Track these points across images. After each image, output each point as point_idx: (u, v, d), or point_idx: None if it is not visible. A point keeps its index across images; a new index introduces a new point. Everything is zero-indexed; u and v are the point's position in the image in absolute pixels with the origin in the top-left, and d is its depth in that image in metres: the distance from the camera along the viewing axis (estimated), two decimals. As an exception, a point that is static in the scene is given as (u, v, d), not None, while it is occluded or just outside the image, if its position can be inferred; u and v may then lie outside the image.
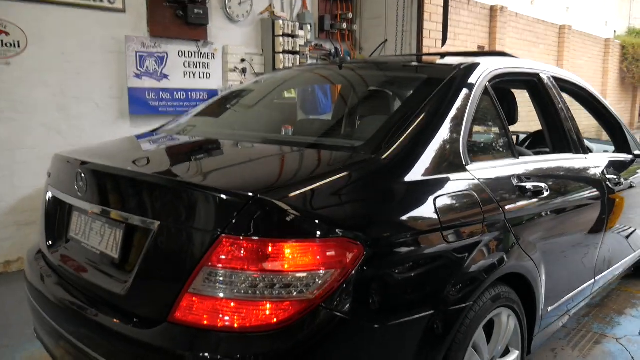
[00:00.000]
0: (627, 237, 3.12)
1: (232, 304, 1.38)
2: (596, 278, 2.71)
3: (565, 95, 2.97)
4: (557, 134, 2.59)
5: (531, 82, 2.57)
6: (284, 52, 5.36)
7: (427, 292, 1.58)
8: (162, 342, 1.42)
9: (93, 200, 1.77)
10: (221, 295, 1.38)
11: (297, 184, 1.50)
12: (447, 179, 1.74)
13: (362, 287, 1.42)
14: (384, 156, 1.66)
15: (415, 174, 1.67)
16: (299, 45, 5.46)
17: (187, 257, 1.45)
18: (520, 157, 2.16)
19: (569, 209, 2.32)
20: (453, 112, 1.88)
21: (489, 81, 2.14)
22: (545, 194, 2.12)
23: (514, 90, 2.60)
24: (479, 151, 2.08)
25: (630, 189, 3.02)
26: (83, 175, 1.78)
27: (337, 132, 2.59)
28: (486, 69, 2.15)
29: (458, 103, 1.92)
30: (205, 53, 4.94)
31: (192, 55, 4.86)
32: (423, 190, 1.66)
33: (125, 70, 4.42)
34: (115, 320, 1.56)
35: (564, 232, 2.32)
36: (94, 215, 1.80)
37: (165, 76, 4.69)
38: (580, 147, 2.63)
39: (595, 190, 2.55)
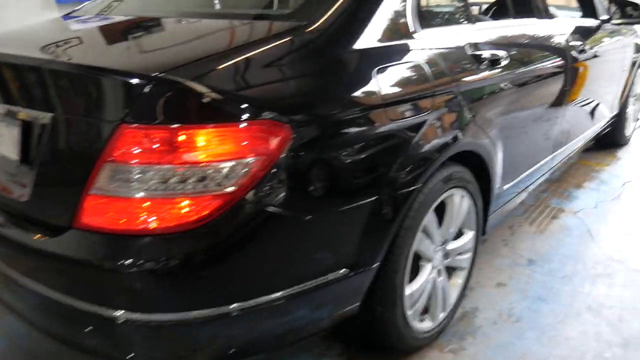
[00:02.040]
0: (589, 109, 3.00)
1: (143, 204, 1.19)
2: (555, 153, 2.62)
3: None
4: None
5: None
6: None
7: (369, 177, 1.42)
8: (66, 251, 1.24)
9: None
10: (129, 194, 1.19)
11: (210, 59, 1.25)
12: (392, 49, 1.52)
13: (292, 175, 1.24)
14: (316, 24, 1.41)
15: (354, 43, 1.44)
16: None
17: (87, 152, 1.23)
18: (477, 23, 1.94)
19: (530, 79, 2.14)
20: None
21: None
22: (504, 63, 1.92)
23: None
24: (429, 17, 1.82)
25: (595, 58, 2.85)
26: None
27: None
28: None
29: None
30: None
31: None
32: (362, 61, 1.44)
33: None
34: (17, 229, 1.38)
35: (524, 105, 2.16)
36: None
37: (92, -45, 4.14)
38: (544, 13, 2.41)
39: (558, 58, 2.37)
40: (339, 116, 1.33)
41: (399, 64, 1.51)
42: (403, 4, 1.59)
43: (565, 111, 2.54)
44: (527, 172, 2.35)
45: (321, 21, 1.41)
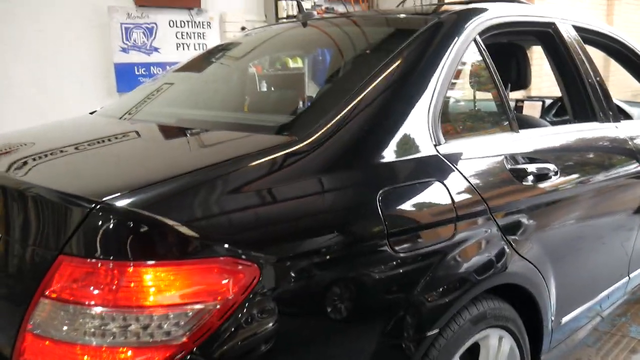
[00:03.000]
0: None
1: (80, 351, 1.00)
2: (631, 275, 2.20)
3: (596, 52, 2.44)
4: (578, 99, 2.07)
5: (545, 35, 2.04)
6: (289, 17, 4.90)
7: (362, 327, 1.16)
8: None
9: None
10: (65, 338, 1.00)
11: (170, 182, 1.07)
12: (404, 165, 1.30)
13: (257, 325, 1.01)
14: (311, 138, 1.22)
15: (354, 160, 1.23)
16: (305, 9, 4.97)
17: (25, 283, 1.08)
18: (521, 131, 1.68)
19: (589, 193, 1.82)
20: (419, 74, 1.42)
21: (481, 33, 1.65)
22: (554, 177, 1.63)
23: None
24: (460, 125, 1.59)
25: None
26: None
27: (269, 105, 2.05)
28: (477, 18, 1.65)
29: (428, 62, 1.45)
30: (199, 22, 4.55)
31: (185, 24, 4.47)
32: (364, 183, 1.22)
33: (110, 44, 4.08)
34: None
35: (582, 224, 1.82)
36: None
37: (156, 49, 4.34)
38: (609, 114, 2.10)
39: (627, 166, 2.03)
40: (325, 252, 1.10)
41: (411, 184, 1.28)
42: (422, 114, 1.37)
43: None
44: (591, 302, 1.96)
45: (317, 135, 1.23)
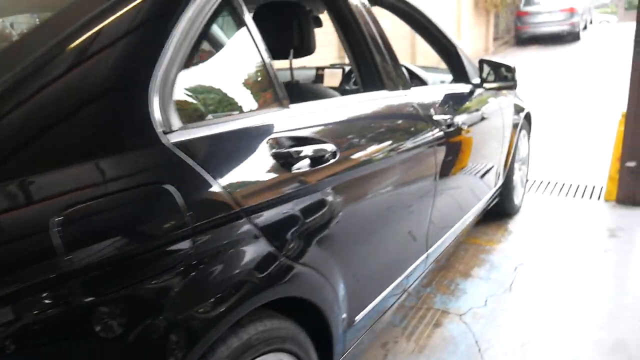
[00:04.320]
0: (468, 188, 2.56)
1: None
2: (429, 251, 2.11)
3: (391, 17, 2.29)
4: (366, 67, 1.87)
5: None
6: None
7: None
8: None
9: None
10: None
11: None
12: (102, 169, 0.91)
13: None
14: None
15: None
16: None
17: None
18: (292, 106, 1.39)
19: (376, 173, 1.62)
20: (137, 35, 1.04)
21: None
22: (332, 160, 1.38)
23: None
24: (204, 104, 1.24)
25: (471, 128, 2.45)
26: None
27: None
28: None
29: (149, 18, 1.07)
30: None
31: None
32: (29, 204, 0.82)
33: None
34: None
35: (371, 208, 1.62)
36: None
37: None
38: (398, 81, 1.94)
39: (417, 136, 1.89)
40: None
41: (117, 196, 0.90)
42: (142, 86, 1.00)
43: (436, 197, 2.05)
44: (387, 290, 1.80)
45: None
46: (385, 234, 1.72)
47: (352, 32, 1.82)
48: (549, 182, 4.21)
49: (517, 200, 3.53)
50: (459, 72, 2.65)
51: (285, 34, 1.83)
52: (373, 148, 1.60)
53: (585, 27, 16.90)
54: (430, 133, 1.95)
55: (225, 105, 1.25)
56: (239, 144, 1.17)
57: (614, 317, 2.28)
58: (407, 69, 2.95)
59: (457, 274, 2.76)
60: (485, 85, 2.64)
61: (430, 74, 3.04)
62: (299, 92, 1.91)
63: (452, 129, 2.16)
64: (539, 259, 2.89)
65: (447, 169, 2.13)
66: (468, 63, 2.65)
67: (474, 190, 2.61)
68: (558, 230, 3.29)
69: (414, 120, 1.91)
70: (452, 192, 2.27)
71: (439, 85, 2.64)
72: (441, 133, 2.04)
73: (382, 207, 1.68)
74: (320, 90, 1.94)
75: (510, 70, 2.63)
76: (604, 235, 3.20)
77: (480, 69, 2.66)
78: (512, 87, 2.68)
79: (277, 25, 1.86)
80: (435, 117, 2.03)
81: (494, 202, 3.19)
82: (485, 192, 2.82)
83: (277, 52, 1.91)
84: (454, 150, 2.22)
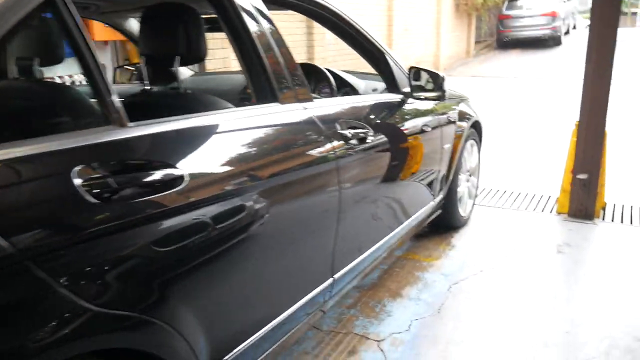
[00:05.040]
0: (394, 201, 2.41)
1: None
2: (335, 276, 1.94)
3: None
4: (257, 78, 1.71)
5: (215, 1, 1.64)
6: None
7: None
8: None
9: None
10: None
11: None
12: None
13: None
14: None
15: None
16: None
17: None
18: (132, 125, 1.22)
19: (252, 200, 1.44)
20: None
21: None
22: (178, 187, 1.21)
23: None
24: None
25: (400, 137, 2.30)
26: None
27: None
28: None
29: None
30: None
31: None
32: None
33: None
34: None
35: (251, 240, 1.44)
36: None
37: None
38: (297, 94, 1.78)
39: (312, 154, 1.72)
40: None
41: None
42: None
43: (341, 222, 1.88)
44: (279, 319, 1.63)
45: None
46: (263, 266, 1.55)
47: (239, 36, 1.66)
48: (504, 192, 4.08)
49: (463, 212, 3.38)
50: (388, 81, 2.50)
51: (170, 39, 1.67)
52: (239, 170, 1.42)
53: (567, 32, 16.86)
54: (332, 149, 1.79)
55: (33, 124, 1.08)
56: (35, 174, 1.00)
57: (544, 346, 2.14)
58: (338, 76, 2.79)
59: (387, 293, 2.61)
60: (414, 94, 2.48)
61: (366, 82, 2.89)
62: (183, 102, 1.76)
63: (366, 143, 2.00)
64: (476, 277, 2.75)
65: (356, 186, 1.98)
66: (398, 70, 2.50)
67: (399, 206, 2.46)
68: (503, 245, 3.14)
69: (310, 135, 1.75)
70: (366, 211, 2.11)
71: (353, 97, 2.48)
72: (347, 148, 1.88)
73: (271, 238, 1.53)
74: (210, 102, 1.77)
75: (439, 79, 2.48)
76: (551, 251, 3.06)
77: (409, 77, 2.51)
78: (440, 97, 2.53)
79: (160, 31, 1.70)
80: (342, 131, 1.87)
81: (435, 216, 3.05)
82: (418, 207, 2.67)
83: (159, 60, 1.75)
84: (367, 166, 2.06)
